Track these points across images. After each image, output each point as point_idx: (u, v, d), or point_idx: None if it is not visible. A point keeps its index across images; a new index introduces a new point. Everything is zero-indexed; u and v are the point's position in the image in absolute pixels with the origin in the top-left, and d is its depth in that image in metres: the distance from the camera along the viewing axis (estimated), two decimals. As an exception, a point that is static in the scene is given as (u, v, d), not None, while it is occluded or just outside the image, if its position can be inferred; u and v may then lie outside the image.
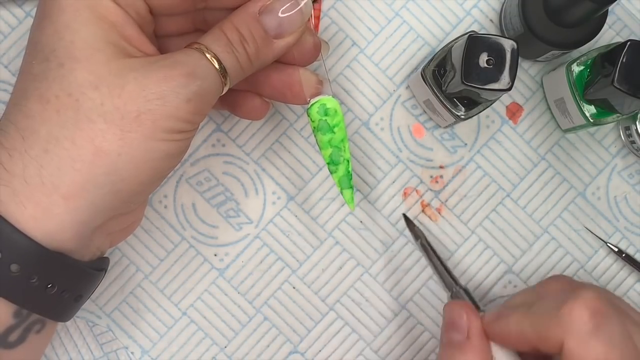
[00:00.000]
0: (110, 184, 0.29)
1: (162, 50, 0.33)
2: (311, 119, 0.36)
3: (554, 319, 0.30)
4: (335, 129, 0.36)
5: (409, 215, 0.43)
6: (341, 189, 0.37)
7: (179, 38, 0.35)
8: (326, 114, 0.36)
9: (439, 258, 0.39)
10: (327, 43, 0.38)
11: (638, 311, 0.33)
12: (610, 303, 0.31)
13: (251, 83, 0.37)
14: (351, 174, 0.37)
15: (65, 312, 0.32)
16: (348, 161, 0.37)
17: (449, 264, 0.43)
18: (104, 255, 0.34)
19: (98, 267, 0.33)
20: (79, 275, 0.31)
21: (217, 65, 0.31)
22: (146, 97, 0.29)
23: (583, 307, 0.30)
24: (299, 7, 0.32)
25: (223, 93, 0.32)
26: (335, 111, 0.36)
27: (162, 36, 0.35)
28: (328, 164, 0.37)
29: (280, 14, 0.32)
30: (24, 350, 0.31)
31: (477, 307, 0.36)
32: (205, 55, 0.31)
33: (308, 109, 0.36)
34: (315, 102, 0.36)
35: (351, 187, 0.37)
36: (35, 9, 0.42)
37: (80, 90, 0.29)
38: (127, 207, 0.32)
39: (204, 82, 0.30)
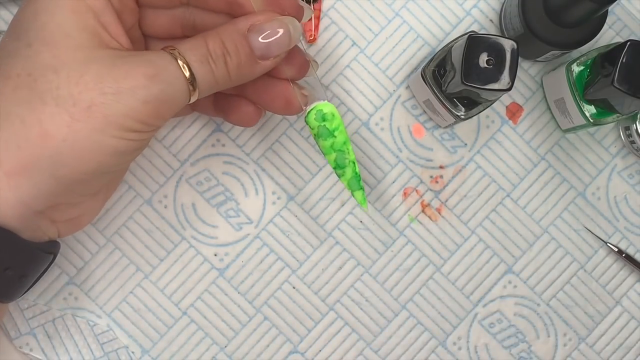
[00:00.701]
0: (53, 167, 0.29)
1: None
2: (310, 127, 0.36)
3: None
4: (336, 133, 0.36)
5: (410, 214, 0.43)
6: (352, 191, 0.37)
7: (167, 42, 0.35)
8: (324, 119, 0.36)
9: None
10: (316, 62, 0.37)
11: None
12: None
13: (239, 88, 0.37)
14: (359, 175, 0.37)
15: (9, 292, 0.32)
16: (354, 162, 0.36)
17: (449, 263, 0.43)
18: (55, 240, 0.34)
19: (46, 249, 0.33)
20: (22, 253, 0.31)
21: (187, 74, 0.30)
22: (102, 90, 0.28)
23: None
24: (287, 31, 0.32)
25: (190, 102, 0.32)
26: (333, 115, 0.36)
27: (150, 36, 0.35)
28: (334, 168, 0.36)
29: (268, 37, 0.32)
30: None
31: None
32: (176, 61, 0.30)
33: (305, 117, 0.36)
34: (311, 109, 0.36)
35: (361, 188, 0.37)
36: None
37: (40, 72, 0.29)
38: (71, 195, 0.32)
39: (168, 88, 0.30)
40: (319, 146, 0.36)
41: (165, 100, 0.30)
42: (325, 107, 0.36)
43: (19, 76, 0.29)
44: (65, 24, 0.29)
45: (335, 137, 0.36)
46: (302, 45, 0.36)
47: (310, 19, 0.42)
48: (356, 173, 0.37)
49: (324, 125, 0.36)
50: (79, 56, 0.29)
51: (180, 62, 0.30)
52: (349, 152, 0.36)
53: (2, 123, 0.29)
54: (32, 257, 0.32)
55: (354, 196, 0.37)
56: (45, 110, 0.28)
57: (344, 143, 0.36)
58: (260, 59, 0.32)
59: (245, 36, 0.32)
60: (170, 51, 0.31)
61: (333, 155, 0.36)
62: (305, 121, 0.36)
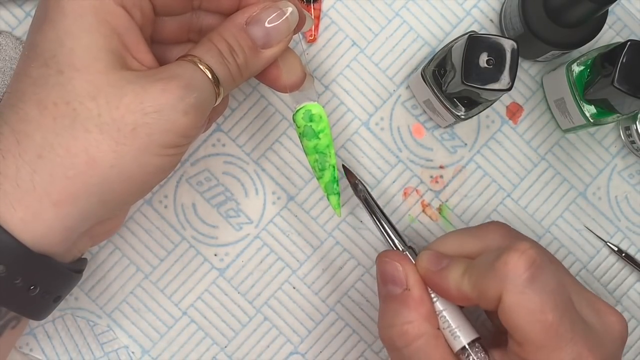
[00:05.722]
0: (100, 194, 0.29)
1: (156, 57, 0.33)
2: (297, 125, 0.36)
3: (491, 275, 0.30)
4: (321, 135, 0.36)
5: (410, 215, 0.43)
6: (327, 195, 0.37)
7: (173, 47, 0.36)
8: (311, 120, 0.36)
9: (383, 214, 0.37)
10: (312, 76, 0.38)
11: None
12: (544, 253, 0.31)
13: None
14: (337, 180, 0.37)
15: (43, 312, 0.32)
16: (334, 167, 0.37)
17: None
18: (83, 257, 0.35)
19: (77, 268, 0.33)
20: (61, 278, 0.32)
21: (210, 76, 0.31)
22: (144, 110, 0.29)
23: (519, 258, 0.30)
24: (285, 17, 0.32)
25: (216, 104, 0.32)
26: (321, 117, 0.36)
27: (157, 42, 0.35)
28: (314, 169, 0.37)
29: (267, 24, 0.32)
30: None
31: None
32: (199, 67, 0.31)
33: (294, 115, 0.36)
34: (300, 108, 0.36)
35: (337, 193, 0.37)
36: (35, 9, 0.42)
37: (79, 100, 0.29)
38: (113, 214, 0.33)
39: (201, 94, 0.30)
40: (302, 145, 0.37)
41: (200, 106, 0.30)
42: (315, 108, 0.36)
43: (57, 105, 0.29)
44: (93, 48, 0.29)
45: (319, 139, 0.36)
46: (303, 45, 0.36)
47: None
48: (334, 177, 0.37)
49: (310, 125, 0.36)
50: (112, 79, 0.29)
51: (202, 67, 0.31)
52: (330, 156, 0.37)
53: (46, 154, 0.28)
54: (68, 280, 0.32)
55: (328, 200, 0.38)
56: (89, 138, 0.29)
57: (327, 146, 0.37)
58: (263, 48, 0.33)
59: (244, 29, 0.32)
60: (190, 59, 0.31)
61: (314, 157, 0.37)
62: (293, 119, 0.37)
